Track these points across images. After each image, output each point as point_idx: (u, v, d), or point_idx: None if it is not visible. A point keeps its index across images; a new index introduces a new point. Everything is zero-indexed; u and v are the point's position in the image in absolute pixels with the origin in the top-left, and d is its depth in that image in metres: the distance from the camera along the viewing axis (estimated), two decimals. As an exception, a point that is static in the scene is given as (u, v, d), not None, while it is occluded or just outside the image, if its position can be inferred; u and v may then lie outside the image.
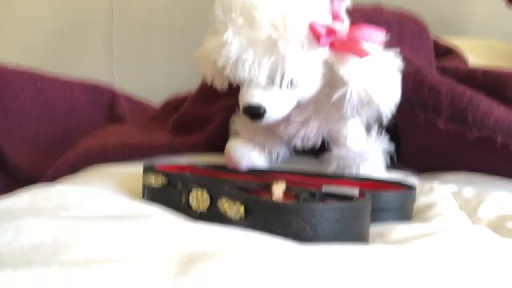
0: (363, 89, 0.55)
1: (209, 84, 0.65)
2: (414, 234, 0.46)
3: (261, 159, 0.69)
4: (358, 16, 0.68)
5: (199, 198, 0.49)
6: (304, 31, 0.53)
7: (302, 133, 0.64)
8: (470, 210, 0.60)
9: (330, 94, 0.57)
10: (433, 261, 0.38)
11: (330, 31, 0.54)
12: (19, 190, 0.53)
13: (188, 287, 0.30)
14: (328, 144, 0.67)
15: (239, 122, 0.71)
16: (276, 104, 0.56)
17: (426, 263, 0.37)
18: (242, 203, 0.42)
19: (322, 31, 0.53)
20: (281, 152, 0.71)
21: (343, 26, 0.57)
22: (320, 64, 0.56)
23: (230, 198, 0.44)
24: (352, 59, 0.55)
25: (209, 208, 0.47)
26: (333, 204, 0.43)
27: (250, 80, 0.56)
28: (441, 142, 0.70)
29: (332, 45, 0.55)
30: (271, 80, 0.55)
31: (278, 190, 0.49)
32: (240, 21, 0.54)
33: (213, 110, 0.87)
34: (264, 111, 0.56)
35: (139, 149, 0.80)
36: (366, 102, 0.56)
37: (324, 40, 0.54)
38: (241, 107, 0.58)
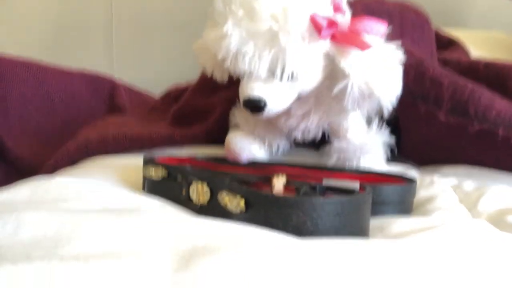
0: (364, 82, 0.55)
1: (209, 76, 0.65)
2: (414, 228, 0.46)
3: (261, 151, 0.69)
4: (360, 8, 0.68)
5: (199, 191, 0.49)
6: (305, 23, 0.53)
7: (302, 126, 0.64)
8: (471, 203, 0.60)
9: (331, 87, 0.57)
10: (433, 255, 0.38)
11: (332, 23, 0.54)
12: (19, 182, 0.53)
13: (188, 282, 0.30)
14: (328, 136, 0.67)
15: (239, 114, 0.71)
16: (276, 97, 0.56)
17: (426, 257, 0.37)
18: (242, 196, 0.42)
19: (323, 23, 0.53)
20: (282, 144, 0.71)
21: (344, 18, 0.56)
22: (321, 57, 0.56)
23: (231, 192, 0.44)
24: (353, 52, 0.54)
25: (209, 201, 0.47)
26: (334, 198, 0.43)
27: (250, 73, 0.55)
28: (442, 134, 0.70)
29: (333, 38, 0.55)
30: (271, 73, 0.55)
31: (279, 183, 0.49)
32: (240, 13, 0.54)
33: (213, 101, 0.87)
34: (265, 104, 0.56)
35: (139, 140, 0.80)
36: (367, 95, 0.55)
37: (325, 32, 0.53)
38: (241, 100, 0.57)
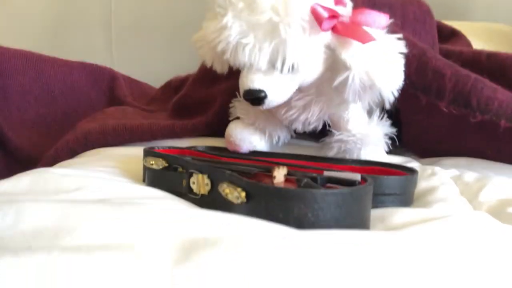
0: (365, 74, 0.54)
1: (208, 67, 0.65)
2: (414, 219, 0.46)
3: (262, 143, 0.69)
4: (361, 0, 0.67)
5: (200, 183, 0.48)
6: (306, 15, 0.53)
7: (303, 117, 0.64)
8: (471, 194, 0.60)
9: (331, 79, 0.57)
10: (433, 247, 0.38)
11: (333, 15, 0.53)
12: (20, 173, 0.53)
13: (189, 274, 0.30)
14: (329, 127, 0.67)
15: (239, 106, 0.70)
16: (277, 89, 0.56)
17: (426, 249, 0.37)
18: (243, 188, 0.42)
19: (324, 14, 0.52)
20: (282, 135, 0.71)
21: (345, 10, 0.56)
22: (322, 49, 0.56)
23: (231, 183, 0.44)
24: (354, 44, 0.54)
25: (210, 192, 0.47)
26: (335, 190, 0.42)
27: (251, 65, 0.55)
28: (444, 126, 0.69)
29: (334, 29, 0.54)
30: (272, 64, 0.54)
31: (279, 175, 0.49)
32: (240, 4, 0.53)
33: (213, 92, 0.87)
34: (265, 96, 0.55)
35: (139, 132, 0.80)
36: (368, 86, 0.55)
37: (326, 24, 0.53)
38: (241, 92, 0.57)
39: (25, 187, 0.48)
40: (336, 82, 0.56)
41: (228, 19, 0.54)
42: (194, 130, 0.81)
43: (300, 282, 0.31)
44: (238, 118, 0.70)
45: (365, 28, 0.54)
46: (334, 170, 0.50)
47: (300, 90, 0.59)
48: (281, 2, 0.52)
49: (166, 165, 0.54)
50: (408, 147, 0.76)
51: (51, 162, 0.79)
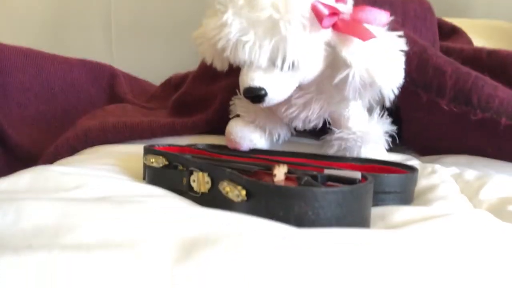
0: (366, 71, 0.54)
1: (208, 65, 0.65)
2: (415, 217, 0.46)
3: (262, 140, 0.69)
4: (362, -4, 0.67)
5: (200, 181, 0.48)
6: (306, 12, 0.53)
7: (303, 115, 0.63)
8: (472, 193, 0.60)
9: (332, 76, 0.57)
10: (433, 245, 0.38)
11: (333, 12, 0.53)
12: (20, 171, 0.52)
13: (189, 273, 0.30)
14: (329, 125, 0.67)
15: (239, 103, 0.70)
16: (277, 87, 0.56)
17: (426, 247, 0.37)
18: (243, 187, 0.42)
19: (325, 12, 0.52)
20: (282, 133, 0.71)
21: (346, 7, 0.56)
22: (322, 46, 0.56)
23: (232, 182, 0.44)
24: (355, 41, 0.54)
25: (210, 190, 0.47)
26: (336, 188, 0.42)
27: (251, 62, 0.55)
28: (444, 124, 0.69)
29: (335, 27, 0.54)
30: (272, 62, 0.54)
31: (280, 173, 0.49)
32: (241, 1, 0.53)
33: (213, 90, 0.86)
34: (265, 93, 0.55)
35: (139, 129, 0.80)
36: (368, 84, 0.55)
37: (326, 21, 0.53)
38: (241, 89, 0.57)
39: (25, 185, 0.48)
40: (337, 80, 0.56)
41: (228, 16, 0.54)
42: (194, 128, 0.81)
43: (300, 282, 0.31)
44: (238, 115, 0.70)
45: (366, 25, 0.54)
46: (334, 168, 0.50)
47: (300, 88, 0.59)
48: None
49: (167, 163, 0.54)
50: (409, 145, 0.76)
51: (51, 159, 0.79)
